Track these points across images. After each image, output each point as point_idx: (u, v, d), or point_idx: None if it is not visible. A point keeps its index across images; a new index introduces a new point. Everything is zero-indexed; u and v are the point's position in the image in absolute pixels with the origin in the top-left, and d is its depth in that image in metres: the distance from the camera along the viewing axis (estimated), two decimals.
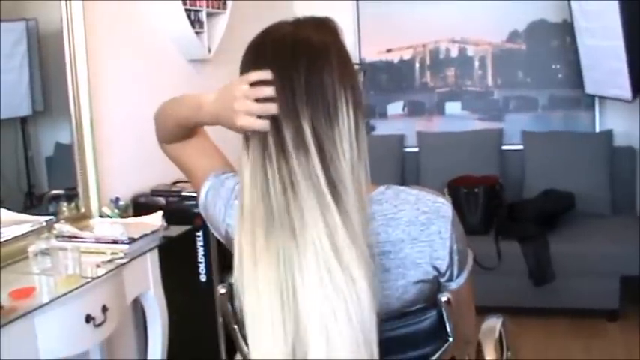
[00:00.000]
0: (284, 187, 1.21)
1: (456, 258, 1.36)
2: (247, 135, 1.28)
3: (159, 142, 1.60)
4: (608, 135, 4.90)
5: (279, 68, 1.26)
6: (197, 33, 3.95)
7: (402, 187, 1.36)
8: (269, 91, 1.25)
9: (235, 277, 1.26)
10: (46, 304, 2.20)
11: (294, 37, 1.29)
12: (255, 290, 1.22)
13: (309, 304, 1.18)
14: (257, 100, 1.26)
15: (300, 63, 1.25)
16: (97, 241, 2.71)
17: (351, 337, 1.18)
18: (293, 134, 1.22)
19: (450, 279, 1.39)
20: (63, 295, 2.26)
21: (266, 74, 1.26)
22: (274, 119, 1.24)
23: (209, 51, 4.10)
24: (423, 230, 1.31)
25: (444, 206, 1.34)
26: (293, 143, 1.22)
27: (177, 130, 1.52)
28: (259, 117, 1.25)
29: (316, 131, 1.23)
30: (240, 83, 1.28)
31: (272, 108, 1.24)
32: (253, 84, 1.26)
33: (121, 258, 2.63)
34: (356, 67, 1.34)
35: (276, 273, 1.20)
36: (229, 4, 4.24)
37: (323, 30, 1.32)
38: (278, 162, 1.22)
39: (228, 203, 1.43)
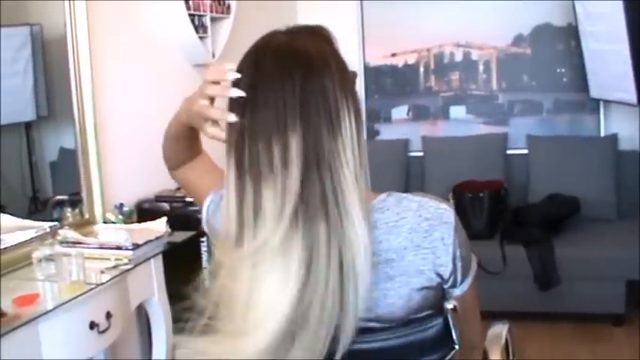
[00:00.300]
0: (255, 207, 1.21)
1: (459, 264, 1.34)
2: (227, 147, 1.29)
3: (168, 170, 1.63)
4: (613, 139, 4.89)
5: (275, 80, 1.24)
6: (201, 38, 3.95)
7: (404, 194, 1.35)
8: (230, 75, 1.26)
9: None
10: (50, 310, 2.20)
11: (291, 48, 1.27)
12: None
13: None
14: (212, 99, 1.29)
15: (299, 73, 1.23)
16: (101, 247, 2.71)
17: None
18: (281, 150, 1.20)
19: (454, 285, 1.38)
20: (67, 302, 2.26)
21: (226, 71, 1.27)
22: (253, 135, 1.23)
23: (213, 56, 4.10)
24: (426, 237, 1.30)
25: (446, 212, 1.33)
26: (280, 159, 1.20)
27: (176, 146, 1.55)
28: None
29: (311, 144, 1.21)
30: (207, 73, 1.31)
31: (234, 91, 1.25)
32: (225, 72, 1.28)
33: (125, 264, 2.63)
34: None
35: (243, 292, 1.20)
36: (233, 8, 4.24)
37: (319, 39, 1.30)
38: (252, 179, 1.21)
39: None
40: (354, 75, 1.34)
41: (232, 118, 1.23)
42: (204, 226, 1.52)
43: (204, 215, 1.51)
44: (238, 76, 1.25)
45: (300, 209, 1.19)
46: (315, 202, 1.20)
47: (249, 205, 1.21)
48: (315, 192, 1.20)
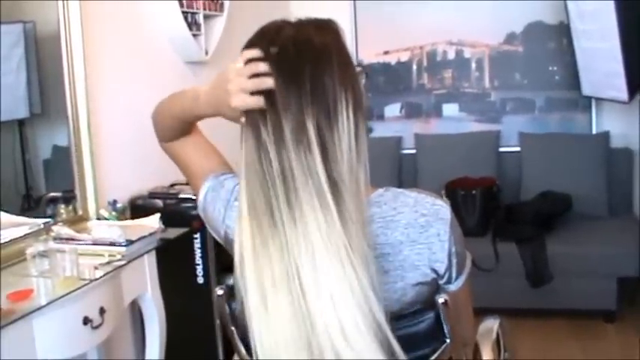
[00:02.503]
0: (282, 180, 1.21)
1: (454, 260, 1.36)
2: (243, 122, 1.28)
3: (158, 140, 1.59)
4: (605, 136, 4.91)
5: (281, 67, 1.25)
6: (194, 35, 3.95)
7: (401, 190, 1.36)
8: (263, 66, 1.25)
9: (236, 275, 1.25)
10: (43, 306, 2.20)
11: (296, 38, 1.28)
12: (259, 287, 1.21)
13: (319, 298, 1.18)
14: (251, 77, 1.25)
15: (302, 64, 1.25)
16: (95, 244, 2.71)
17: (366, 327, 1.17)
18: (295, 129, 1.22)
19: (449, 281, 1.39)
20: (61, 298, 2.26)
21: (257, 52, 1.26)
22: (275, 111, 1.24)
23: (206, 53, 4.10)
24: (422, 233, 1.31)
25: (442, 209, 1.34)
26: (293, 137, 1.21)
27: (176, 125, 1.51)
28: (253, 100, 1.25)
29: (319, 130, 1.22)
30: (234, 63, 1.28)
31: (267, 81, 1.24)
32: (247, 62, 1.26)
33: (119, 260, 2.63)
34: (358, 69, 1.34)
35: (280, 266, 1.20)
36: (226, 6, 4.25)
37: (324, 31, 1.31)
38: (277, 153, 1.22)
39: (228, 205, 1.43)
40: (361, 70, 1.34)
41: (270, 83, 1.24)
42: (200, 212, 1.51)
43: (200, 201, 1.49)
44: (255, 54, 1.26)
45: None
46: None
47: (279, 180, 1.22)
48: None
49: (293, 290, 1.19)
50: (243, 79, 1.25)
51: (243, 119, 1.27)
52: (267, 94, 1.24)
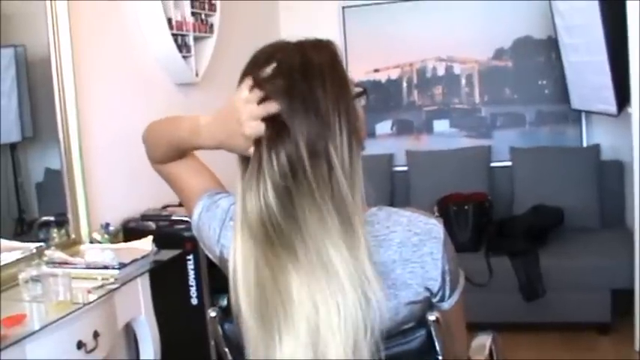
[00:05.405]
0: (280, 202, 1.22)
1: (447, 278, 1.36)
2: (246, 155, 1.29)
3: (150, 161, 1.58)
4: (595, 149, 4.93)
5: (279, 87, 1.26)
6: (184, 57, 3.97)
7: (395, 209, 1.36)
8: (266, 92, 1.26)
9: (231, 294, 1.26)
10: (37, 331, 2.20)
11: (294, 58, 1.29)
12: (250, 305, 1.23)
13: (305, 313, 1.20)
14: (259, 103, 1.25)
15: (298, 84, 1.25)
16: (88, 267, 2.71)
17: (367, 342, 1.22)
18: (294, 151, 1.22)
19: (442, 299, 1.39)
20: (54, 322, 2.25)
21: (258, 78, 1.27)
22: (277, 134, 1.24)
23: (196, 74, 4.12)
24: (415, 251, 1.32)
25: (435, 227, 1.34)
26: (291, 159, 1.22)
27: (171, 152, 1.51)
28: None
29: (314, 152, 1.23)
30: (239, 93, 1.27)
31: (273, 106, 1.24)
32: (251, 89, 1.26)
33: (112, 283, 2.62)
34: (358, 89, 1.34)
35: (274, 285, 1.22)
36: (216, 27, 4.27)
37: (322, 52, 1.31)
38: (277, 175, 1.22)
39: (224, 224, 1.43)
40: (362, 91, 1.35)
41: (275, 106, 1.24)
42: (194, 232, 1.51)
43: (194, 220, 1.49)
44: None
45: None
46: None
47: (278, 202, 1.22)
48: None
49: (288, 310, 1.21)
50: (253, 106, 1.25)
51: (252, 149, 1.27)
52: (270, 119, 1.25)
